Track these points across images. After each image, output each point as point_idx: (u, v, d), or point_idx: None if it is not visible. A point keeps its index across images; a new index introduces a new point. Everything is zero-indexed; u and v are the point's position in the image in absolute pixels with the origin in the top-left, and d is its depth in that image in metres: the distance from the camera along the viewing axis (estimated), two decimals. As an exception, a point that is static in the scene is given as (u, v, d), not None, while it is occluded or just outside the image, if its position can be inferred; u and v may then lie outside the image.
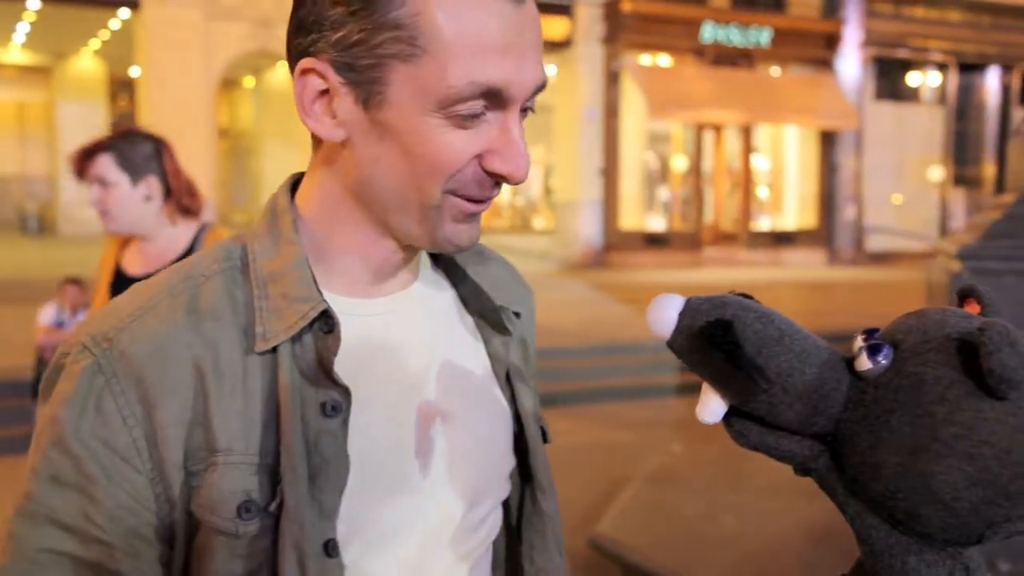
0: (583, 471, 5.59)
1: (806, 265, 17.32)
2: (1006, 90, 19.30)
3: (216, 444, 0.81)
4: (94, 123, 19.36)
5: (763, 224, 18.51)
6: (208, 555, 0.82)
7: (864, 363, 0.56)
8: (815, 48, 17.47)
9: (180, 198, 2.57)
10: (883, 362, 0.56)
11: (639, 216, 17.07)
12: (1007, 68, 19.19)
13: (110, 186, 2.47)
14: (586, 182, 16.06)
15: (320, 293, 0.85)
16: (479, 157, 0.82)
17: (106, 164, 2.47)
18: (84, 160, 2.49)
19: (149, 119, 13.31)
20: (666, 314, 0.61)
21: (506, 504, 1.02)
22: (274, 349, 0.84)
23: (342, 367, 0.85)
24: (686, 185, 17.98)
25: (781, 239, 18.02)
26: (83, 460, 0.80)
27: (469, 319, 0.99)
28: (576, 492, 5.09)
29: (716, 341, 0.58)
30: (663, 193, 18.65)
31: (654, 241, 16.93)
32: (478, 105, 0.80)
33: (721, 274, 15.36)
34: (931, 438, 0.52)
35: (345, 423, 0.83)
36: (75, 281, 4.34)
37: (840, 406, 0.57)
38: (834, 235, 18.02)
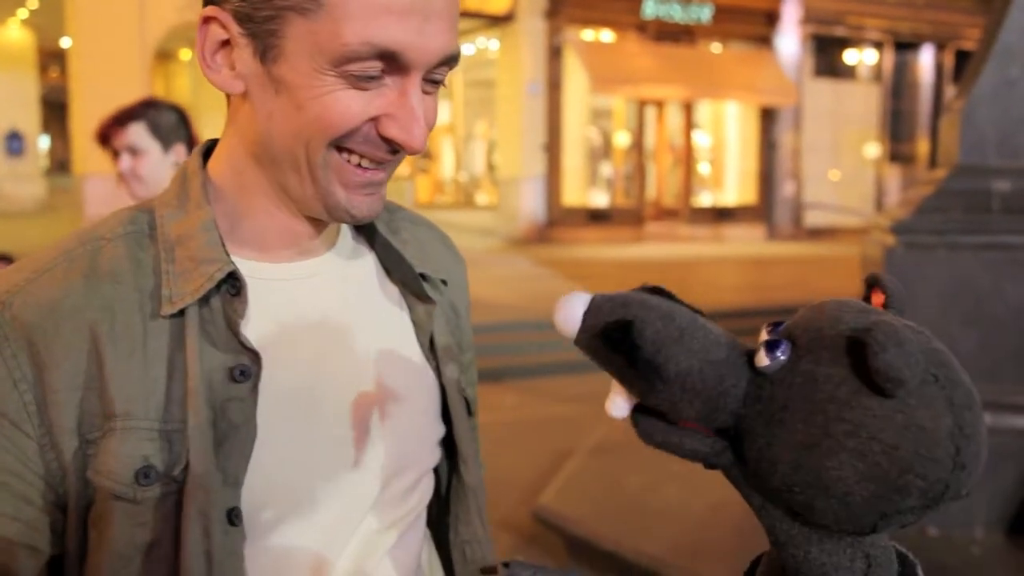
0: (528, 444, 5.63)
1: (746, 240, 17.56)
2: (940, 68, 19.70)
3: (113, 409, 0.80)
4: (24, 95, 18.79)
5: (704, 200, 18.71)
6: (107, 524, 0.80)
7: (763, 359, 0.57)
8: (755, 25, 17.64)
9: None
10: (780, 358, 0.57)
11: (582, 192, 17.14)
12: (941, 47, 19.58)
13: (142, 154, 2.53)
14: (529, 158, 16.05)
15: (227, 255, 0.84)
16: (375, 120, 0.81)
17: (138, 132, 2.52)
18: (114, 128, 2.53)
19: (81, 92, 12.97)
20: (572, 312, 0.61)
21: (436, 474, 1.02)
22: (181, 313, 0.82)
23: (253, 332, 0.85)
24: (628, 161, 18.08)
25: (722, 215, 18.23)
26: None
27: (392, 287, 0.98)
28: (521, 465, 5.13)
29: (615, 341, 0.58)
30: (606, 169, 18.74)
31: (597, 217, 17.02)
32: (375, 67, 0.78)
33: (663, 249, 15.50)
34: (823, 435, 0.54)
35: (254, 389, 0.82)
36: (5, 257, 4.23)
37: (739, 402, 0.58)
38: (773, 211, 18.29)
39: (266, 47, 0.80)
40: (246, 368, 0.82)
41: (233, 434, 0.81)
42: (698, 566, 3.47)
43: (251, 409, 0.82)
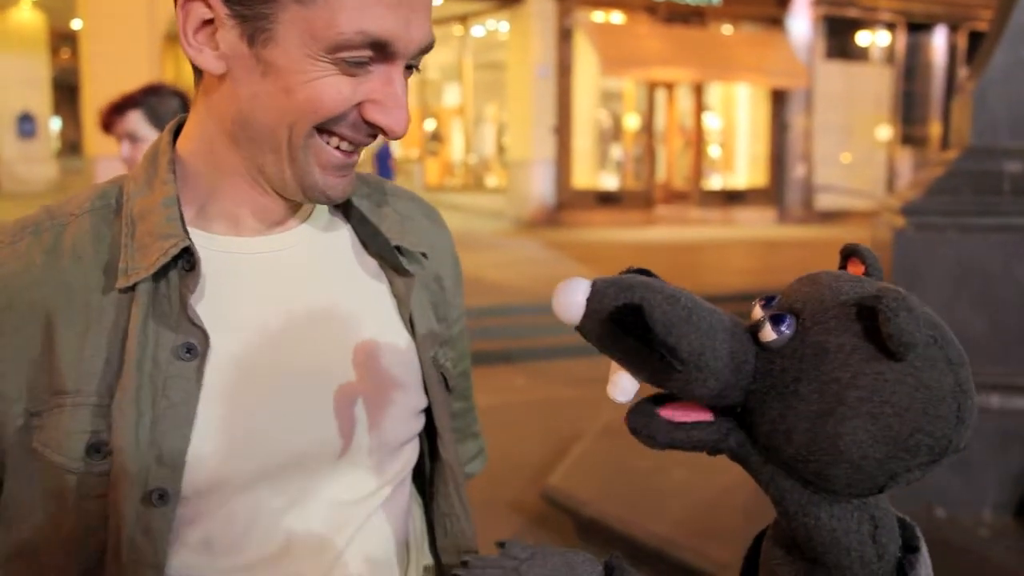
0: (537, 426, 5.65)
1: (756, 223, 17.50)
2: (953, 50, 19.54)
3: (63, 386, 0.81)
4: (35, 77, 18.80)
5: (714, 183, 18.63)
6: (57, 496, 0.82)
7: (768, 334, 0.58)
8: (767, 6, 17.51)
9: None
10: (787, 332, 0.58)
11: (592, 174, 17.09)
12: (954, 28, 19.41)
13: (140, 141, 2.51)
14: (539, 140, 16.01)
15: (185, 231, 0.85)
16: (360, 106, 0.83)
17: (137, 120, 2.51)
18: (113, 116, 2.53)
19: (92, 73, 12.98)
20: (573, 299, 0.60)
21: (420, 446, 1.02)
22: (133, 287, 0.83)
23: (217, 307, 0.86)
24: (638, 143, 18.01)
25: (732, 197, 18.17)
26: None
27: (371, 261, 0.98)
28: (530, 447, 5.15)
29: (626, 325, 0.58)
30: (616, 151, 18.67)
31: (607, 199, 16.98)
32: (365, 55, 0.81)
33: (673, 232, 15.47)
34: (837, 402, 0.55)
35: (200, 368, 0.83)
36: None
37: (750, 377, 0.59)
38: (784, 194, 18.21)
39: (256, 30, 0.80)
40: (192, 346, 0.83)
41: (171, 412, 0.81)
42: (706, 546, 3.49)
43: (193, 388, 0.82)
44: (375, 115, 0.83)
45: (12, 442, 0.83)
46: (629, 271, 0.63)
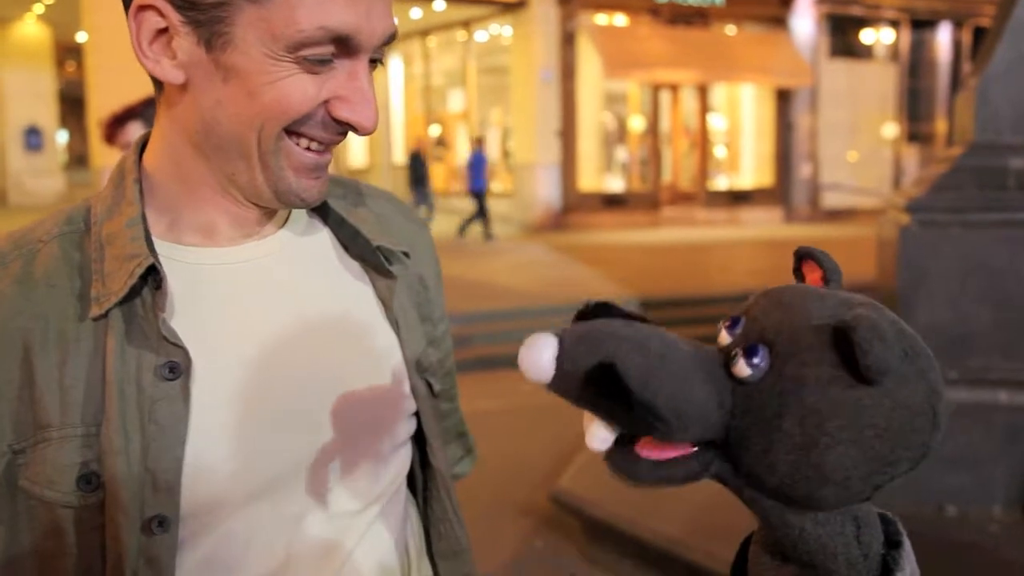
0: (545, 429, 5.65)
1: (763, 223, 17.47)
2: (958, 46, 19.49)
3: (48, 419, 0.79)
4: (41, 90, 18.90)
5: (720, 183, 18.61)
6: (52, 532, 0.79)
7: (743, 370, 0.57)
8: (770, 6, 17.50)
9: None
10: (762, 365, 0.57)
11: (597, 177, 17.08)
12: (958, 24, 19.36)
13: None
14: (544, 144, 16.02)
15: (151, 248, 0.82)
16: (326, 104, 0.81)
17: (137, 131, 2.54)
18: (115, 127, 2.54)
19: (98, 86, 13.04)
20: (540, 358, 0.58)
21: (412, 450, 1.01)
22: (106, 314, 0.80)
23: (193, 323, 0.83)
24: (643, 145, 18.00)
25: (738, 198, 18.14)
26: None
27: (353, 263, 0.96)
28: (538, 450, 5.16)
29: (600, 384, 0.56)
30: (621, 154, 18.66)
31: (613, 202, 16.97)
32: (327, 51, 0.79)
33: (679, 233, 15.45)
34: (819, 433, 0.55)
35: (185, 387, 0.80)
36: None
37: (729, 414, 0.58)
38: (790, 193, 18.18)
39: (212, 34, 0.78)
40: (175, 365, 0.80)
41: (160, 436, 0.79)
42: (713, 546, 3.49)
43: (181, 408, 0.80)
44: (343, 112, 0.81)
45: None
46: (587, 308, 0.61)
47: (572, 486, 4.29)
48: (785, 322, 0.58)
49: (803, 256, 0.63)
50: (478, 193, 14.32)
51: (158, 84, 0.85)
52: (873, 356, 0.53)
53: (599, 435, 0.60)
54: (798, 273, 0.64)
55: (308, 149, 0.83)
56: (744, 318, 0.60)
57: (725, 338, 0.60)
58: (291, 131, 0.81)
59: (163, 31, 0.80)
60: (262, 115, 0.79)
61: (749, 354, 0.57)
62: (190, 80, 0.81)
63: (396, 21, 0.84)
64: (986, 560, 3.28)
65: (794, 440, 0.56)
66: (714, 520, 3.74)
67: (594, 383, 0.57)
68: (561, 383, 0.58)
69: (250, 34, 0.77)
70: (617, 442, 0.60)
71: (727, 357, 0.58)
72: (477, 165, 14.37)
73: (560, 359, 0.58)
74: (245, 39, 0.77)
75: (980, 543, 3.37)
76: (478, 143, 15.11)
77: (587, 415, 0.60)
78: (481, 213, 14.37)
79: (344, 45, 0.79)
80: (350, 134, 0.85)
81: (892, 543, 0.62)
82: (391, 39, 0.84)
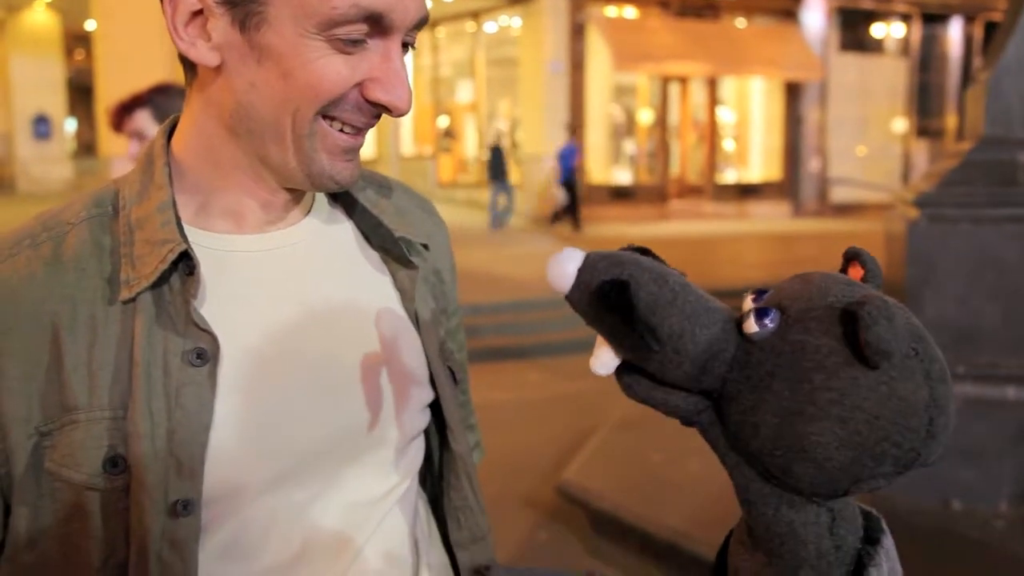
0: (551, 421, 5.66)
1: (771, 217, 17.44)
2: (969, 41, 19.40)
3: (75, 402, 0.79)
4: (50, 78, 18.93)
5: (729, 177, 18.58)
6: (77, 515, 0.79)
7: (752, 326, 0.58)
8: (780, -1, 17.44)
9: None
10: (769, 326, 0.58)
11: (605, 169, 17.07)
12: (970, 19, 19.27)
13: (148, 140, 2.53)
14: (552, 136, 16.00)
15: (182, 234, 0.82)
16: (360, 85, 0.81)
17: (144, 119, 2.51)
18: (122, 115, 2.55)
19: (106, 74, 13.07)
20: (565, 268, 0.61)
21: (428, 441, 1.01)
22: (135, 297, 0.80)
23: (221, 309, 0.83)
24: (652, 138, 17.97)
25: (746, 191, 18.11)
26: None
27: (374, 253, 0.97)
28: (544, 441, 5.16)
29: (610, 300, 0.58)
30: (629, 146, 18.63)
31: (620, 194, 16.95)
32: (361, 30, 0.78)
33: (687, 226, 15.43)
34: (808, 402, 0.55)
35: (212, 373, 0.80)
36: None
37: (727, 366, 0.59)
38: (799, 187, 18.14)
39: (247, 14, 0.78)
40: (203, 351, 0.80)
41: (186, 421, 0.79)
42: (718, 538, 3.48)
43: (207, 394, 0.80)
44: (377, 94, 0.81)
45: (22, 467, 0.79)
46: (628, 249, 0.63)
47: (578, 478, 4.30)
48: (803, 292, 0.59)
49: (851, 257, 0.64)
50: (569, 184, 14.37)
51: (189, 67, 0.85)
52: (874, 333, 0.53)
53: (603, 358, 0.62)
54: (844, 274, 0.65)
55: (342, 131, 0.83)
56: (772, 290, 0.62)
57: (748, 304, 0.61)
58: (325, 115, 0.81)
59: (198, 13, 0.80)
60: (297, 98, 0.79)
61: (761, 315, 0.58)
62: (224, 62, 0.81)
63: (429, 4, 0.84)
64: (992, 555, 3.28)
65: (782, 403, 0.56)
66: (719, 513, 3.74)
67: (605, 298, 0.59)
68: (576, 294, 0.61)
69: (284, 13, 0.77)
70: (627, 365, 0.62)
71: (742, 315, 0.60)
72: (569, 156, 14.36)
73: (581, 271, 0.61)
74: (279, 18, 0.77)
75: (986, 538, 3.37)
76: (572, 132, 15.12)
77: (598, 341, 0.62)
78: (573, 204, 14.44)
79: (377, 24, 0.79)
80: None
81: (871, 539, 0.62)
82: (423, 22, 0.83)
